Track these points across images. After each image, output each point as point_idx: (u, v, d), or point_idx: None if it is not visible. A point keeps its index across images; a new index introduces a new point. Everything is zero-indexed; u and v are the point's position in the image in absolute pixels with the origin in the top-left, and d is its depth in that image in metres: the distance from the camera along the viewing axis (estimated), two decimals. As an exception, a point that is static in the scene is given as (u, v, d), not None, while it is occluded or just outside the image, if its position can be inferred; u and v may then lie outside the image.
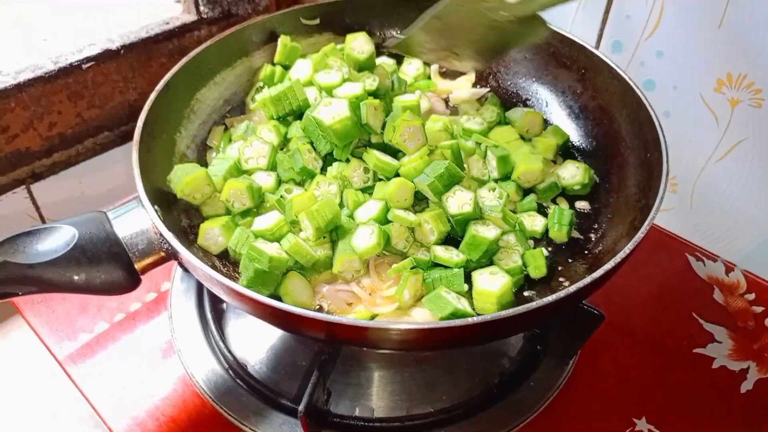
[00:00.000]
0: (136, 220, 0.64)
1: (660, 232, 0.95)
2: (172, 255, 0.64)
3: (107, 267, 0.62)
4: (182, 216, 0.73)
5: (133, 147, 0.69)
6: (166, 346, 0.79)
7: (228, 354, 0.76)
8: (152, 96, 0.75)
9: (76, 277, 0.60)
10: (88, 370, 0.77)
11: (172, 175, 0.72)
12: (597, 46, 0.96)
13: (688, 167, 0.97)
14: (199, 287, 0.84)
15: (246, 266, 0.64)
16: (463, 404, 0.72)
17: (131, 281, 0.63)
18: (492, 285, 0.65)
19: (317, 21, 0.93)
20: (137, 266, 0.63)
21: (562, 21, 0.97)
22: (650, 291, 0.88)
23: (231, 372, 0.75)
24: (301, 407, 0.61)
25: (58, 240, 0.61)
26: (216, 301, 0.82)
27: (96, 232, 0.62)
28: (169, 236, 0.60)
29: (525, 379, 0.74)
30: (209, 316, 0.80)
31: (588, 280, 0.56)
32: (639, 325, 0.84)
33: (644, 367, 0.79)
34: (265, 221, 0.69)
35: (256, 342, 0.78)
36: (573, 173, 0.78)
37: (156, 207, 0.63)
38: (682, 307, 0.85)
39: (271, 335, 0.78)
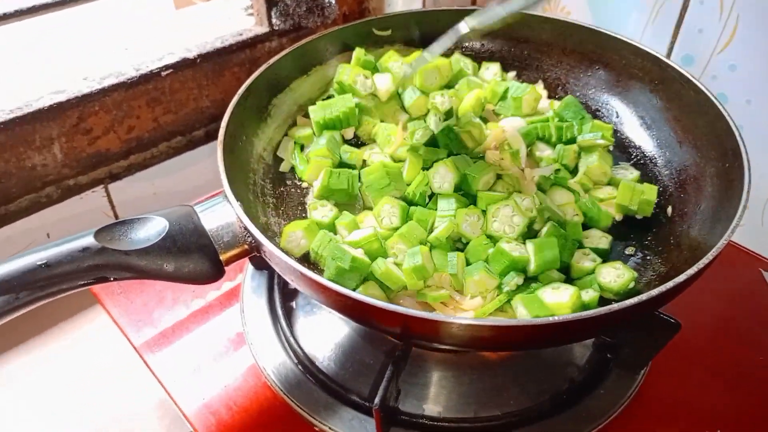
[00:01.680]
0: (221, 214, 0.67)
1: (733, 246, 0.93)
2: (255, 248, 0.66)
3: (195, 257, 0.65)
4: (260, 213, 0.76)
5: (218, 146, 0.73)
6: (237, 338, 0.82)
7: (298, 349, 0.78)
8: (234, 99, 0.79)
9: (166, 266, 0.63)
10: (163, 357, 0.80)
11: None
12: (667, 60, 0.96)
13: (759, 183, 0.95)
14: (270, 285, 0.86)
15: (328, 265, 0.66)
16: (530, 409, 0.72)
17: (216, 271, 0.66)
18: (561, 297, 0.64)
19: (389, 32, 0.95)
20: (222, 257, 0.66)
21: (632, 35, 0.97)
22: (723, 304, 0.86)
23: (300, 366, 0.76)
24: (376, 400, 0.62)
25: (150, 230, 0.64)
26: (286, 299, 0.84)
27: (185, 224, 0.65)
28: (254, 229, 0.63)
29: (594, 388, 0.73)
30: (279, 312, 0.82)
31: (671, 284, 0.56)
32: (712, 337, 0.82)
33: (719, 380, 0.77)
34: (359, 234, 0.71)
35: (324, 339, 0.80)
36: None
37: (239, 203, 0.66)
38: (756, 321, 0.83)
39: (339, 333, 0.80)
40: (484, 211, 0.72)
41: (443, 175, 0.73)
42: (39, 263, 0.59)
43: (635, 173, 0.81)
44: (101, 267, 0.62)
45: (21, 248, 0.99)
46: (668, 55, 0.98)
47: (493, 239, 0.70)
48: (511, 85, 0.87)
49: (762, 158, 0.93)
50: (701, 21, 0.92)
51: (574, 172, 0.81)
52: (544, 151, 0.82)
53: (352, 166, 0.81)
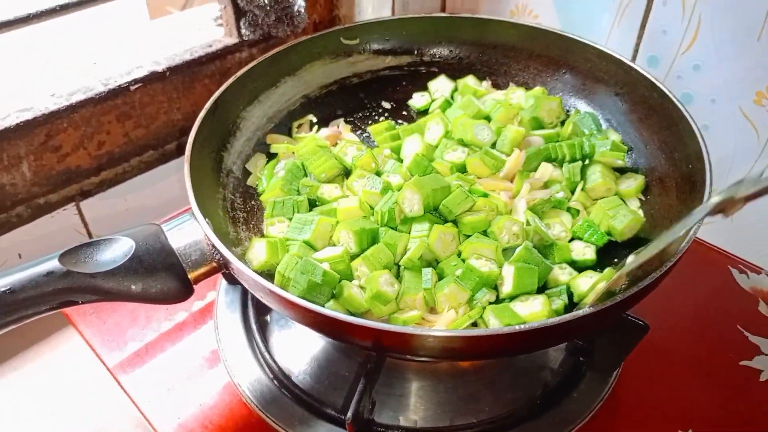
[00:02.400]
0: (188, 232, 0.66)
1: (701, 244, 0.94)
2: (223, 265, 0.66)
3: (163, 277, 0.64)
4: (230, 228, 0.75)
5: (185, 162, 0.72)
6: (212, 355, 0.81)
7: (273, 364, 0.78)
8: (201, 114, 0.78)
9: (133, 287, 0.63)
10: (137, 378, 0.79)
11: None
12: (633, 61, 0.97)
13: (728, 181, 0.96)
14: (244, 299, 0.86)
15: (299, 280, 0.66)
16: (506, 416, 0.72)
17: (185, 290, 0.66)
18: (534, 307, 0.65)
19: (357, 41, 0.95)
20: (190, 276, 0.65)
21: (597, 37, 0.98)
22: (693, 303, 0.87)
23: (276, 382, 0.76)
24: (348, 414, 0.62)
25: (116, 251, 0.64)
26: (260, 313, 0.84)
27: (152, 243, 0.65)
28: (221, 247, 0.62)
29: (568, 392, 0.74)
30: (254, 327, 0.82)
31: (635, 288, 0.56)
32: (683, 336, 0.83)
33: (689, 379, 0.78)
34: (328, 252, 0.70)
35: (299, 353, 0.79)
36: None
37: (207, 220, 0.65)
38: (726, 320, 0.85)
39: (314, 346, 0.80)
40: (467, 236, 0.71)
41: (410, 198, 0.71)
42: (3, 289, 0.59)
43: (639, 179, 0.79)
44: (67, 291, 0.61)
45: (-9, 270, 0.98)
46: (634, 57, 0.99)
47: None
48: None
49: (728, 155, 0.94)
50: (665, 22, 0.93)
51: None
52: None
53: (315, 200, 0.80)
